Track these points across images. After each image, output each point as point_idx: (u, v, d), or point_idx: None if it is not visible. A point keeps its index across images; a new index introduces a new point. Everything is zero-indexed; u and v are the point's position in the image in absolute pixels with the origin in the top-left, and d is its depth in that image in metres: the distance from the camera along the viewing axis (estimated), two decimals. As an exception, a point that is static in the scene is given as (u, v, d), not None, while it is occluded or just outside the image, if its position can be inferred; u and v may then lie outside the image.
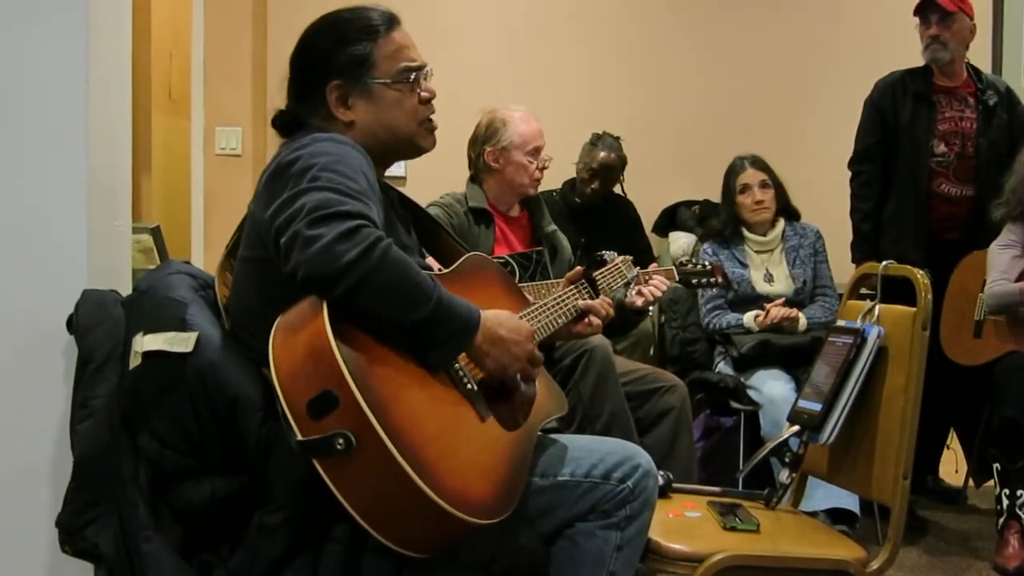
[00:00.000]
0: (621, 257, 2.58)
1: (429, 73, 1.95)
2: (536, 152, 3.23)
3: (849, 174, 3.91)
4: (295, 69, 1.95)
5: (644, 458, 1.89)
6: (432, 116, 1.96)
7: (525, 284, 2.94)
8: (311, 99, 1.90)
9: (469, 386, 1.69)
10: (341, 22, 1.92)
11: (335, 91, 1.88)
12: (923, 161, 3.72)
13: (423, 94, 1.93)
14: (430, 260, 2.15)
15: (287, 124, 1.93)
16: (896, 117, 3.78)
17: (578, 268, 2.29)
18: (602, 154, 4.42)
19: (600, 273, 2.41)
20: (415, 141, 1.95)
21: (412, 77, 1.91)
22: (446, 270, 1.96)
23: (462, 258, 2.00)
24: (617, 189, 4.57)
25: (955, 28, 3.72)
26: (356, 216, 1.55)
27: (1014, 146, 3.70)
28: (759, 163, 3.89)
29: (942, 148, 3.74)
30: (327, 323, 1.52)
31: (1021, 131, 3.80)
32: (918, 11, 3.75)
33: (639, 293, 2.80)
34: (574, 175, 4.48)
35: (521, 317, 1.95)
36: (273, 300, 1.64)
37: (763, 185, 3.85)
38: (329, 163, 1.65)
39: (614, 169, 4.44)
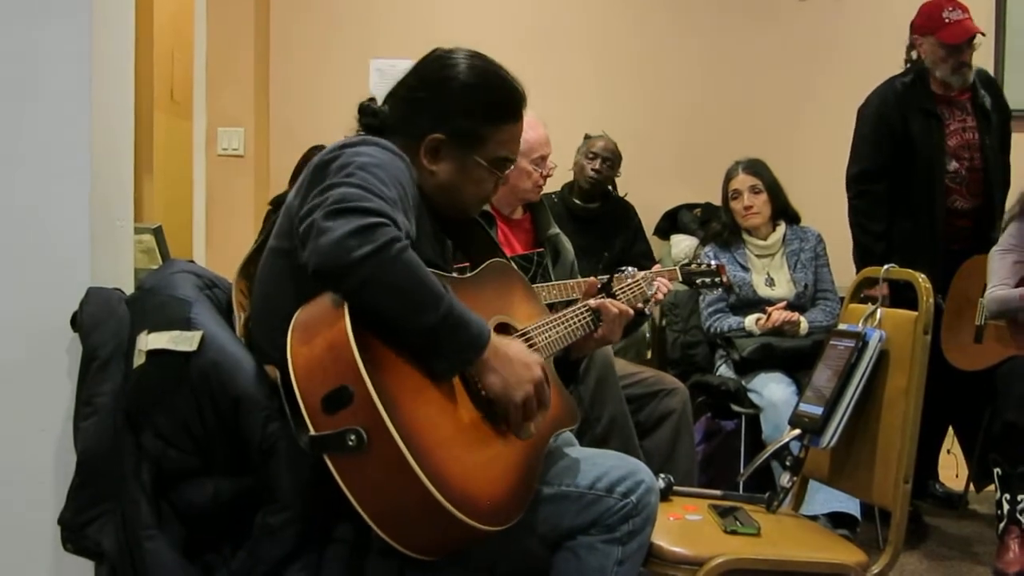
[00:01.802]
0: (642, 273, 2.56)
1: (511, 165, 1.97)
2: (542, 160, 3.23)
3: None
4: (420, 91, 1.88)
5: (647, 474, 1.89)
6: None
7: (540, 284, 2.94)
8: (409, 127, 1.86)
9: (484, 393, 1.69)
10: (491, 89, 1.89)
11: (435, 141, 1.85)
12: (939, 180, 3.65)
13: (500, 183, 1.95)
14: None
15: (371, 127, 1.88)
16: (906, 133, 3.68)
17: (593, 280, 2.26)
18: (601, 142, 4.43)
19: (620, 288, 2.39)
20: (468, 212, 1.97)
21: (506, 169, 1.93)
22: (469, 275, 1.94)
23: (485, 264, 1.98)
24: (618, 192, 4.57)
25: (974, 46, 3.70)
26: (376, 214, 1.53)
27: (1004, 140, 3.70)
28: (752, 168, 3.88)
29: (954, 164, 3.69)
30: (348, 319, 1.52)
31: (1006, 121, 3.76)
32: (958, 42, 3.63)
33: None
34: (572, 180, 4.47)
35: (538, 327, 1.95)
36: (304, 293, 1.63)
37: (753, 190, 3.85)
38: (367, 164, 1.64)
39: (615, 155, 4.43)
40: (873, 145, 3.75)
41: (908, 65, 3.81)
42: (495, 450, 1.68)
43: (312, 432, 1.50)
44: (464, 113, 1.85)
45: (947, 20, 3.65)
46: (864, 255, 3.75)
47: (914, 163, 3.68)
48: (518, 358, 1.69)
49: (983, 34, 3.67)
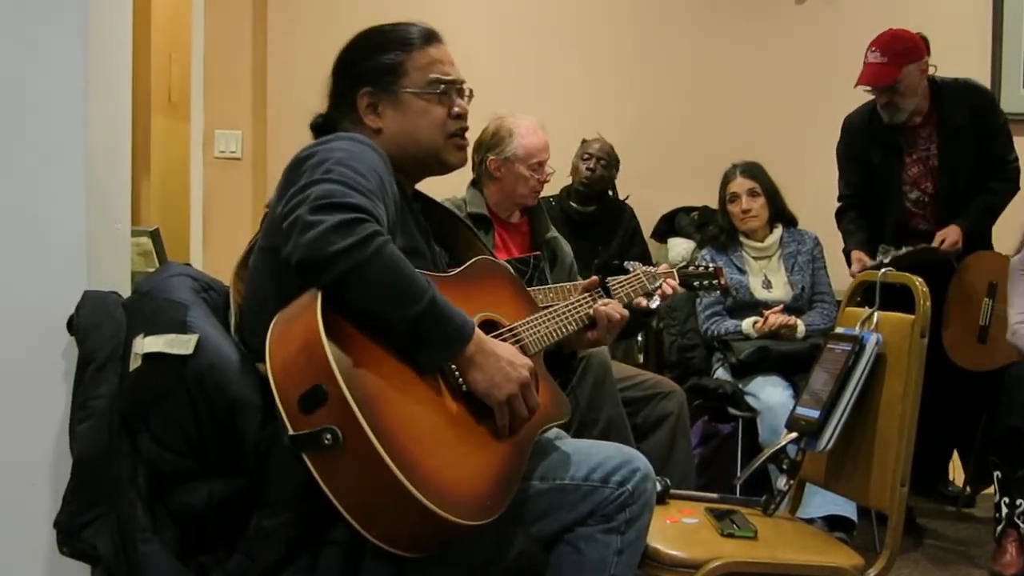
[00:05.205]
0: (643, 268, 2.56)
1: (467, 91, 1.99)
2: (540, 166, 3.24)
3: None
4: (332, 75, 1.99)
5: (642, 462, 1.90)
6: (464, 132, 1.98)
7: (537, 288, 2.94)
8: (343, 105, 1.95)
9: (464, 388, 1.69)
10: (379, 33, 1.98)
11: (366, 98, 1.92)
12: (899, 209, 3.71)
13: (454, 109, 1.95)
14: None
15: (320, 127, 1.96)
16: (869, 160, 3.75)
17: (594, 277, 2.26)
18: (597, 144, 4.43)
19: (619, 282, 2.38)
20: (441, 155, 1.97)
21: (441, 88, 1.94)
22: (454, 272, 1.94)
23: (470, 261, 1.99)
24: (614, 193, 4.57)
25: (904, 87, 3.57)
26: (358, 209, 1.58)
27: (986, 153, 3.66)
28: (749, 171, 3.88)
29: (915, 193, 3.72)
30: (319, 317, 1.53)
31: (994, 139, 3.68)
32: (857, 84, 3.62)
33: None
34: (570, 183, 4.47)
35: (526, 323, 1.95)
36: (286, 291, 1.65)
37: (751, 193, 3.85)
38: (344, 159, 1.68)
39: (610, 156, 4.43)
40: (849, 170, 3.87)
41: None
42: (475, 445, 1.68)
43: (291, 432, 1.52)
44: (368, 58, 1.94)
45: (865, 60, 3.60)
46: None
47: (878, 190, 3.74)
48: (505, 356, 1.70)
49: (883, 88, 3.57)
